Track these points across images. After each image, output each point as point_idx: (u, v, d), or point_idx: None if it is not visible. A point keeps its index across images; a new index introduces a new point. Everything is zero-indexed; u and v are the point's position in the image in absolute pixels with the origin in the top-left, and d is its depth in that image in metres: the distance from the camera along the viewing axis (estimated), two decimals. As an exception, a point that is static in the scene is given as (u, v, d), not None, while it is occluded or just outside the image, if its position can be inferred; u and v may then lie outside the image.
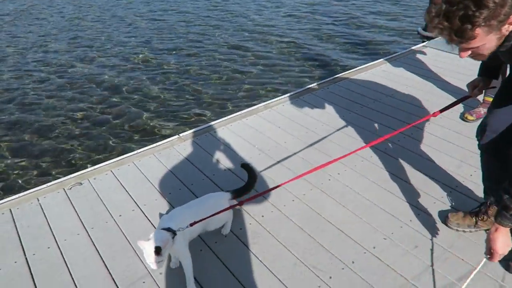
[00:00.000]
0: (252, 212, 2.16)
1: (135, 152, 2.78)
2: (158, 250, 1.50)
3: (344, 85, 3.60)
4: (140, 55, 6.19)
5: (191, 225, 1.68)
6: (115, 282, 1.79)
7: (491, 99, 2.88)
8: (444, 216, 2.04)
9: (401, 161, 2.51)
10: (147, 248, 1.51)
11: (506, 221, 1.47)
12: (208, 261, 1.87)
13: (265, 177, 2.44)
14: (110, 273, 1.83)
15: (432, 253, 1.86)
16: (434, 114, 1.77)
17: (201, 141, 2.86)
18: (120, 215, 2.18)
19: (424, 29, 5.26)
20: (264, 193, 2.12)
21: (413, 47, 4.45)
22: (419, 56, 4.19)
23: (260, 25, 7.49)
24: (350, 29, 7.11)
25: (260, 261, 1.86)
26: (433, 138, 2.74)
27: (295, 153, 2.65)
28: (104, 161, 2.71)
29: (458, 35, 1.20)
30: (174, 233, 1.63)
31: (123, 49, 6.52)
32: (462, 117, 2.94)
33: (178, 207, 1.91)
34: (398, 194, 2.23)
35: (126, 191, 2.37)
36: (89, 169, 2.62)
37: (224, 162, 2.61)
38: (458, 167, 2.42)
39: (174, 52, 6.29)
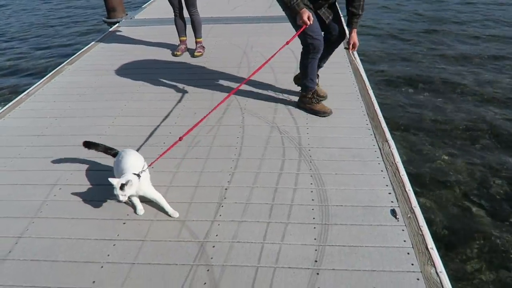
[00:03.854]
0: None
1: None
2: (122, 187, 1.85)
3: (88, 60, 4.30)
4: None
5: (149, 165, 2.06)
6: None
7: (184, 38, 4.37)
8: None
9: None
10: (115, 184, 1.85)
11: (356, 25, 2.71)
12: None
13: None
14: None
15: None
16: (287, 43, 2.48)
17: None
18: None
19: (107, 18, 6.39)
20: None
21: (110, 29, 5.49)
22: (118, 33, 5.28)
23: None
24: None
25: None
26: (177, 72, 3.97)
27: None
28: None
29: None
30: (138, 175, 1.95)
31: None
32: (174, 54, 4.33)
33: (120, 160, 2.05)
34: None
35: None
36: None
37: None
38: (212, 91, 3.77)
39: None
